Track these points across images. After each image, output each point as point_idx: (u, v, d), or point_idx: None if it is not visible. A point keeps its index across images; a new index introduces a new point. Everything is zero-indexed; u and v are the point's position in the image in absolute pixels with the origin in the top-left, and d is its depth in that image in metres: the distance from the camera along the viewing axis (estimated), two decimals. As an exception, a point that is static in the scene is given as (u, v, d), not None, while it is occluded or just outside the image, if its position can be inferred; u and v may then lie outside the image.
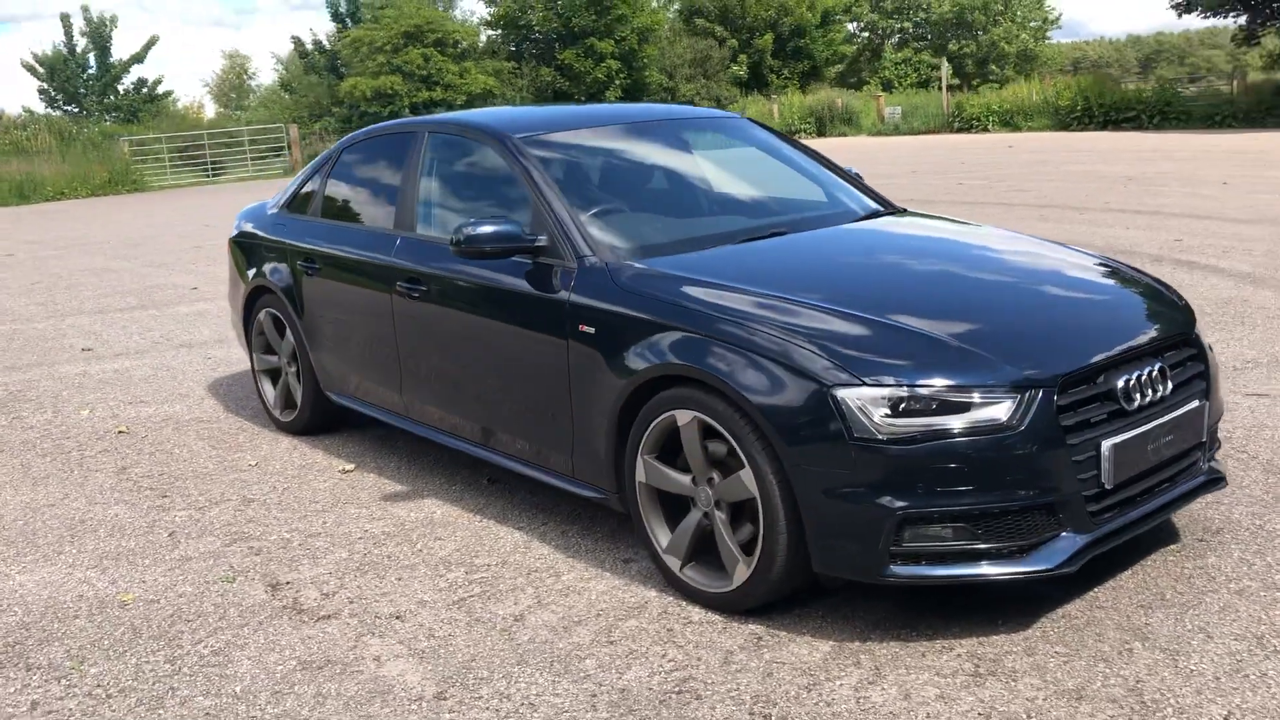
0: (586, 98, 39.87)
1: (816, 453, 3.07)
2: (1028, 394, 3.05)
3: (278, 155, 32.34)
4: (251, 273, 5.65)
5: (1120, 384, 3.22)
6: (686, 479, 3.48)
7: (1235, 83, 29.63)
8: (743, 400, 3.18)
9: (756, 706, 2.91)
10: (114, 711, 3.08)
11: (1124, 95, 30.50)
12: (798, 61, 50.24)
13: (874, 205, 4.63)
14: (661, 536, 3.60)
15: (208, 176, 30.68)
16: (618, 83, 40.05)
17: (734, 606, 3.40)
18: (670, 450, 3.56)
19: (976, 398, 3.03)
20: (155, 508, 4.66)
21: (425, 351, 4.49)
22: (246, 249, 5.79)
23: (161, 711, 3.07)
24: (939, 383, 3.04)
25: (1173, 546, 3.70)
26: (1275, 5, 28.55)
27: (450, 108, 37.18)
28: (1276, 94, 29.15)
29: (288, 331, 5.42)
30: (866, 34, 68.21)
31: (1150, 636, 3.14)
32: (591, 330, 3.69)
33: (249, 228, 5.85)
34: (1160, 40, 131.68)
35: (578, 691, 3.04)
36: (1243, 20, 29.54)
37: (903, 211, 4.64)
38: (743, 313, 3.36)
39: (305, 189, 5.49)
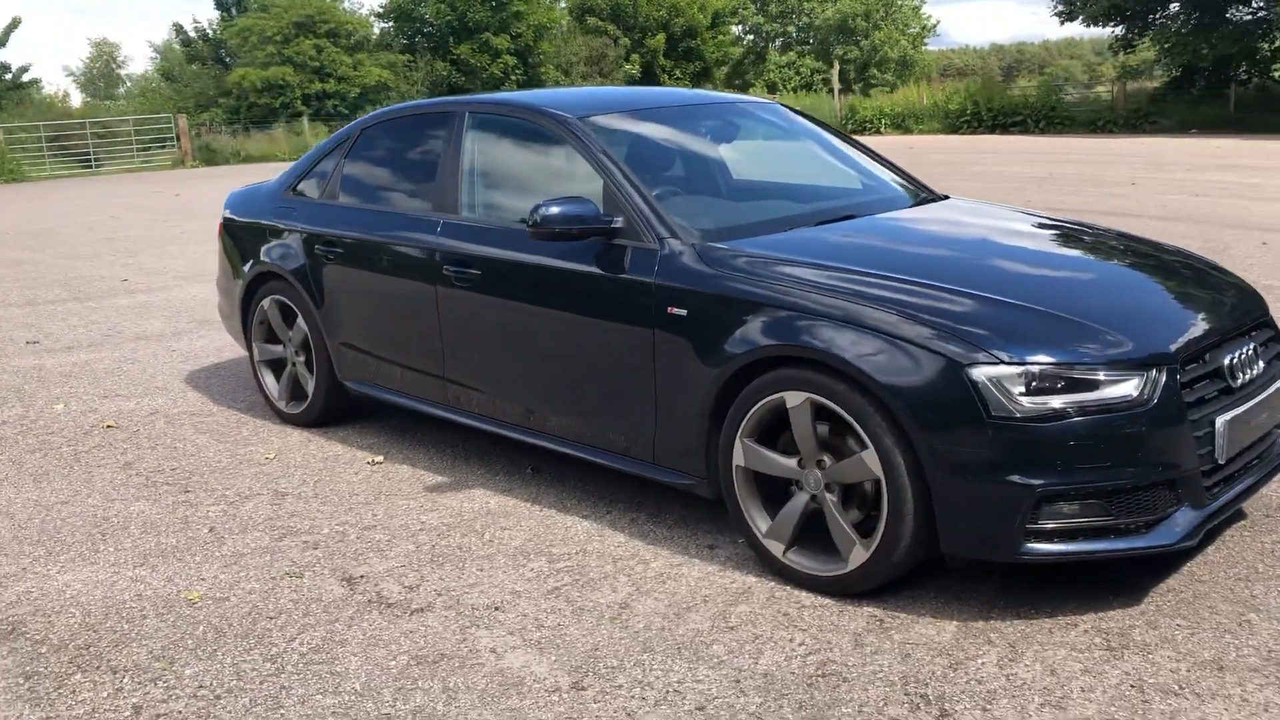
0: (482, 92, 39.44)
1: (951, 433, 3.07)
2: (1153, 371, 3.10)
3: (162, 146, 31.14)
4: (253, 258, 5.40)
5: (1226, 362, 3.31)
6: (791, 462, 3.45)
7: (1116, 89, 30.89)
8: (869, 381, 3.16)
9: (908, 687, 2.90)
10: (229, 713, 2.91)
11: (1011, 100, 31.55)
12: (689, 62, 50.61)
13: (921, 191, 4.66)
14: (760, 521, 3.56)
15: (90, 168, 29.35)
16: (514, 78, 39.71)
17: (846, 590, 3.38)
18: (769, 434, 3.52)
19: (1107, 375, 3.07)
20: (181, 503, 4.42)
21: (475, 337, 4.36)
22: (245, 234, 5.54)
23: (282, 711, 2.91)
24: (1072, 360, 3.07)
25: (1243, 523, 3.82)
26: (1150, 17, 29.87)
27: (344, 100, 36.38)
28: (1152, 101, 30.57)
29: (299, 319, 5.20)
30: (751, 36, 69.23)
31: (1262, 608, 3.23)
32: (683, 313, 3.62)
33: (247, 212, 5.60)
34: (1021, 50, 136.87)
35: (719, 677, 2.98)
36: (1120, 30, 30.80)
37: (947, 197, 4.69)
38: (856, 292, 3.34)
39: (317, 171, 5.27)
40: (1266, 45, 28.38)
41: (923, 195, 4.61)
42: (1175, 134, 27.12)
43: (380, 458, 4.88)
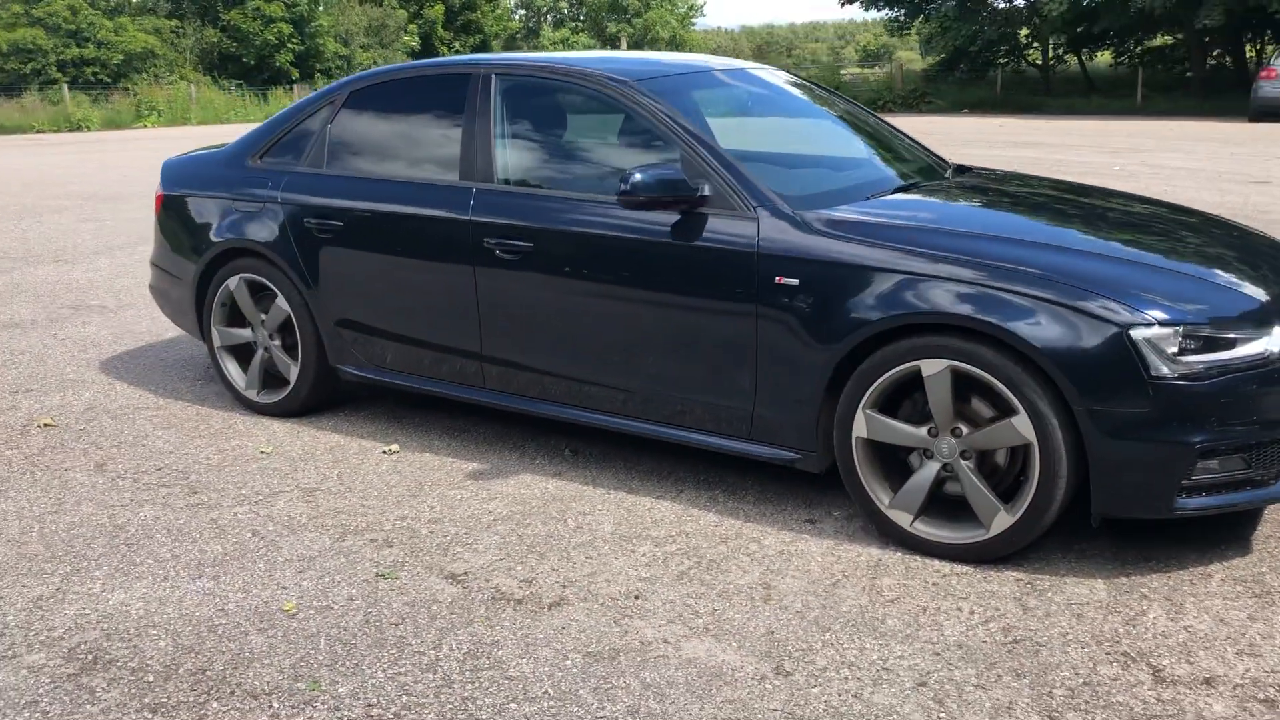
0: (256, 60, 37.41)
1: (1112, 395, 3.12)
2: None
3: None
4: (212, 234, 4.91)
5: None
6: (920, 430, 3.43)
7: (895, 70, 32.48)
8: (1025, 346, 3.17)
9: (1104, 646, 2.94)
10: (424, 732, 2.64)
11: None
12: (468, 35, 49.80)
13: (946, 163, 4.72)
14: (882, 493, 3.52)
15: None
16: (290, 47, 37.89)
17: (983, 555, 3.40)
18: (887, 403, 3.49)
19: (1249, 333, 3.19)
20: (198, 505, 3.98)
21: (526, 313, 4.11)
22: (198, 207, 5.03)
23: (483, 725, 2.66)
24: (1218, 318, 3.18)
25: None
26: (921, 2, 31.55)
27: (106, 67, 33.71)
28: (927, 81, 32.34)
29: (278, 300, 4.77)
30: (523, 11, 68.82)
31: (1361, 548, 3.45)
32: (794, 282, 3.53)
33: (198, 183, 5.08)
34: (770, 32, 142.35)
35: (914, 651, 2.94)
36: (900, 14, 32.39)
37: (969, 168, 4.77)
38: (993, 257, 3.34)
39: (292, 137, 4.83)
40: (1025, 31, 30.48)
41: (954, 165, 4.66)
42: (950, 113, 28.83)
43: (395, 446, 4.54)
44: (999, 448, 3.34)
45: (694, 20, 71.62)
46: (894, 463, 3.58)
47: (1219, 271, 3.46)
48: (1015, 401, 3.22)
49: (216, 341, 5.03)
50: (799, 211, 3.63)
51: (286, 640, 3.04)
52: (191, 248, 5.02)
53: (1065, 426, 3.19)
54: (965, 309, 3.25)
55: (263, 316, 4.89)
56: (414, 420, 4.86)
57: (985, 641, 2.97)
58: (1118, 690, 2.73)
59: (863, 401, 3.46)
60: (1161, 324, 3.12)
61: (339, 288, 4.58)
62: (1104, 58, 36.29)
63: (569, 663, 2.91)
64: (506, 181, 4.20)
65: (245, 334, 4.98)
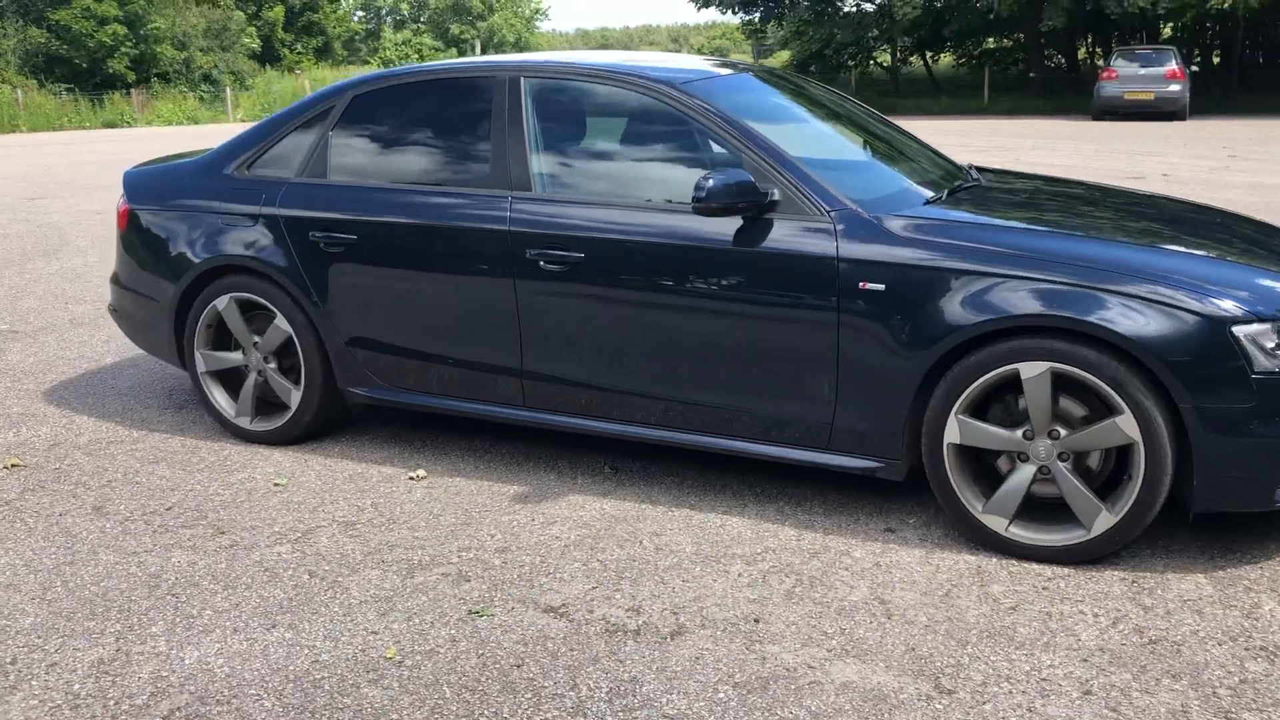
0: (89, 63, 35.42)
1: (1218, 391, 3.16)
2: None
3: None
4: (196, 251, 4.55)
5: None
6: (1015, 434, 3.41)
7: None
8: (1131, 346, 3.18)
9: (1239, 641, 2.97)
10: (606, 782, 2.46)
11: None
12: (310, 36, 48.37)
13: (959, 164, 4.75)
14: (974, 499, 3.49)
15: None
16: (124, 50, 36.00)
17: (1082, 557, 3.40)
18: (978, 408, 3.47)
19: None
20: (232, 547, 3.67)
21: (575, 327, 3.93)
22: (176, 222, 4.66)
23: (665, 770, 2.50)
24: None
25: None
26: (785, 2, 32.14)
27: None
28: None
29: (277, 320, 4.45)
30: (362, 12, 67.35)
31: None
32: (879, 287, 3.47)
33: (173, 195, 4.71)
34: (605, 35, 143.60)
35: (1064, 660, 2.91)
36: (756, 16, 32.92)
37: (989, 169, 4.80)
38: (1084, 255, 3.35)
39: (283, 146, 4.52)
40: (874, 33, 31.38)
41: (971, 166, 4.68)
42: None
43: (421, 472, 4.29)
44: (1100, 448, 3.34)
45: (538, 23, 71.50)
46: (980, 467, 3.55)
47: None
48: (1119, 401, 3.22)
49: (201, 367, 4.67)
50: (875, 215, 3.56)
51: (407, 691, 2.81)
52: (168, 266, 4.64)
53: (1173, 424, 3.20)
54: (1069, 310, 3.24)
55: (256, 338, 4.56)
56: (426, 443, 4.60)
57: (1124, 644, 2.96)
58: (1277, 685, 2.75)
59: (955, 407, 3.42)
60: (1261, 319, 3.17)
61: (351, 305, 4.29)
62: (946, 59, 37.71)
63: (722, 695, 2.77)
64: (552, 187, 4.00)
65: (235, 358, 4.63)
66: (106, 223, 11.18)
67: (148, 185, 4.82)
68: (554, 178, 4.03)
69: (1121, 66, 24.14)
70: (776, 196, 3.62)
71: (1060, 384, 3.32)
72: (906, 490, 3.94)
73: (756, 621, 3.12)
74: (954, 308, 3.37)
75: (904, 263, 3.45)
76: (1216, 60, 31.61)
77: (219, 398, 4.67)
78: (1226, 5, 23.91)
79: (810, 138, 4.23)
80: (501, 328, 4.03)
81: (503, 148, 4.06)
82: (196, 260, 4.54)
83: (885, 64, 34.50)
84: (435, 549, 3.62)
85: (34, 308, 7.36)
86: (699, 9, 33.75)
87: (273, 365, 4.56)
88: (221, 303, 4.54)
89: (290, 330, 4.42)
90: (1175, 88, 23.40)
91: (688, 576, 3.40)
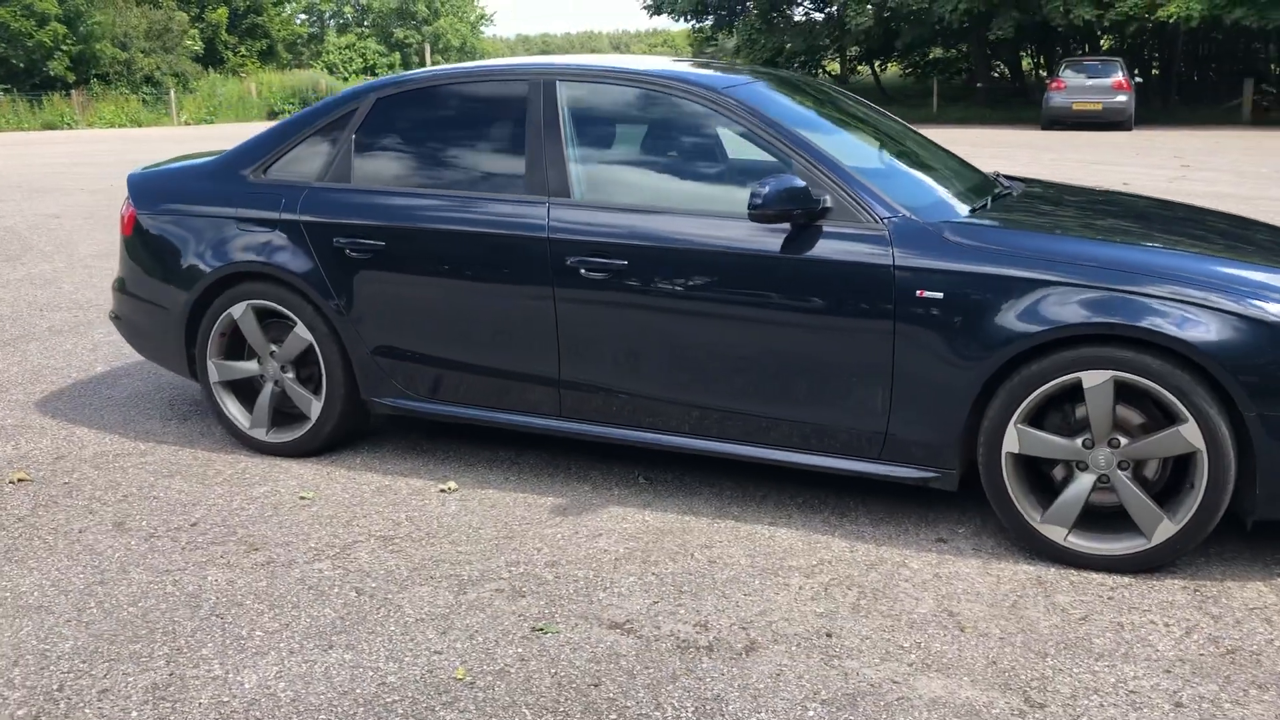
0: (27, 63, 34.54)
1: (1282, 398, 3.16)
2: None
3: None
4: (210, 257, 4.41)
5: None
6: (1075, 443, 3.40)
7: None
8: (1196, 353, 3.18)
9: (1314, 649, 2.97)
10: (713, 806, 2.39)
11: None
12: (254, 39, 47.67)
13: (994, 173, 4.74)
14: (1032, 509, 3.47)
15: None
16: (65, 49, 35.17)
17: (1142, 565, 3.39)
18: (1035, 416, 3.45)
19: None
20: (270, 564, 3.54)
21: (616, 336, 3.85)
22: (187, 228, 4.51)
23: (771, 792, 2.43)
24: None
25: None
26: (737, 11, 32.29)
27: None
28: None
29: (297, 328, 4.32)
30: (305, 15, 66.52)
31: None
32: (938, 295, 3.44)
33: (184, 199, 4.55)
34: (546, 41, 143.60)
35: (1145, 670, 2.89)
36: (707, 23, 33.03)
37: (1018, 178, 4.81)
38: (1144, 263, 3.35)
39: (301, 149, 4.39)
40: (825, 42, 31.65)
41: (998, 175, 4.68)
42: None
43: (452, 484, 4.18)
44: (1162, 456, 3.33)
45: (483, 28, 71.11)
46: (1033, 477, 3.53)
47: None
48: (1183, 410, 3.22)
49: (213, 377, 4.52)
50: (930, 222, 3.54)
51: (484, 714, 2.72)
52: (179, 272, 4.48)
53: (1238, 433, 3.20)
54: (1135, 319, 3.23)
55: (273, 348, 4.42)
56: (449, 454, 4.49)
57: (1202, 654, 2.95)
58: (1363, 694, 2.75)
59: (1015, 416, 3.39)
60: None
61: (378, 313, 4.18)
62: (893, 69, 38.14)
63: (811, 713, 2.71)
64: (591, 193, 3.92)
65: (250, 367, 4.49)
66: (66, 228, 10.89)
67: (156, 189, 4.66)
68: (593, 184, 3.96)
69: (1069, 77, 24.57)
70: (828, 203, 3.58)
71: (1119, 392, 3.30)
72: (949, 499, 3.93)
73: (829, 636, 3.07)
74: (1016, 316, 3.35)
75: (965, 270, 3.42)
76: (1154, 73, 32.30)
77: (232, 409, 4.52)
78: (1170, 19, 24.41)
79: (847, 145, 4.19)
80: (538, 336, 3.94)
81: (539, 153, 3.97)
82: (211, 267, 4.39)
83: (834, 73, 34.77)
84: (482, 564, 3.52)
85: (7, 315, 7.11)
86: (651, 15, 33.84)
87: (290, 375, 4.42)
88: (237, 310, 4.39)
89: (311, 339, 4.29)
90: (1121, 98, 23.87)
91: (748, 590, 3.33)
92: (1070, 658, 2.94)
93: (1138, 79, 27.95)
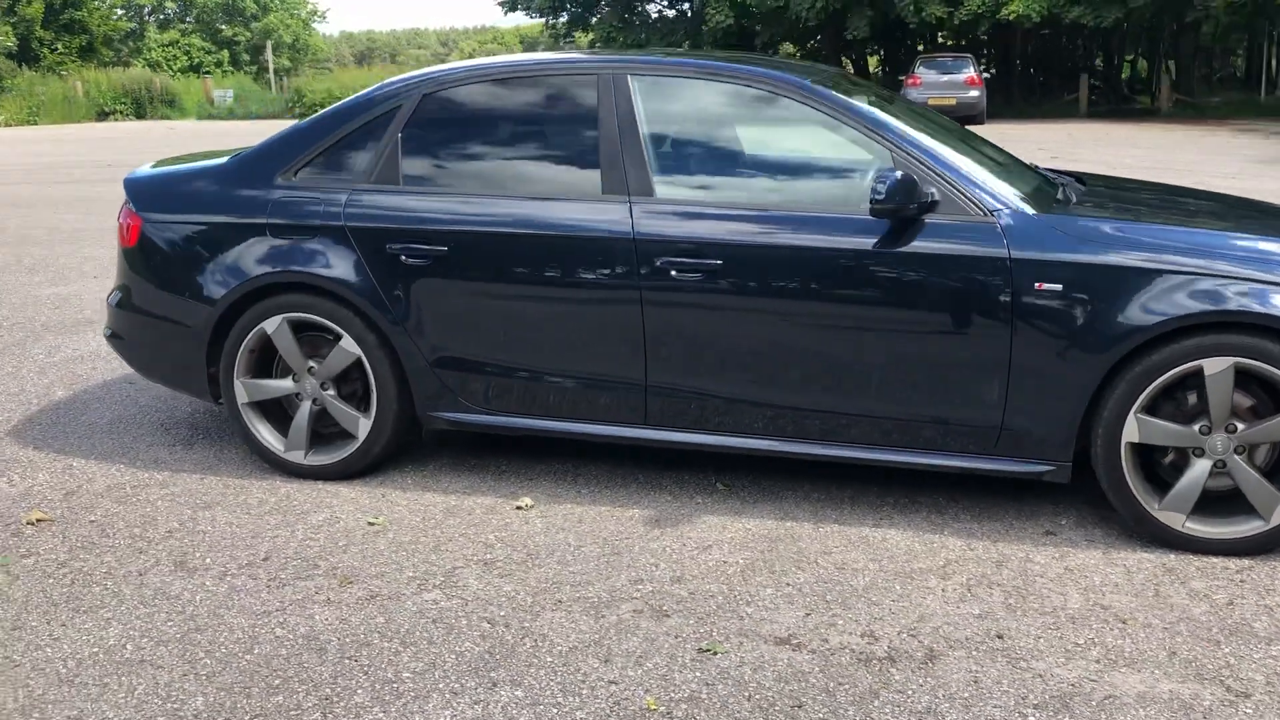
0: None
1: (1403, 381, 3.27)
2: None
3: None
4: (243, 267, 4.07)
5: None
6: (1192, 429, 3.44)
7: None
8: None
9: None
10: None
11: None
12: (71, 34, 45.05)
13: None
14: (1149, 497, 3.50)
15: None
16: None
17: (1264, 547, 3.46)
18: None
19: None
20: (376, 598, 3.28)
21: (711, 338, 3.72)
22: (209, 235, 4.15)
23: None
24: None
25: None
26: (592, 7, 32.20)
27: None
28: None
29: (344, 341, 4.03)
30: (122, 10, 63.33)
31: None
32: (1057, 287, 3.44)
33: (200, 205, 4.20)
34: (372, 38, 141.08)
35: (1318, 651, 2.94)
36: (562, 20, 32.85)
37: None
38: (1258, 251, 3.41)
39: (340, 149, 4.10)
40: (685, 39, 31.92)
41: (1055, 170, 4.71)
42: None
43: (527, 500, 3.98)
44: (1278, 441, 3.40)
45: (314, 24, 68.98)
46: (1145, 465, 3.56)
47: None
48: (1309, 394, 3.29)
49: (242, 398, 4.17)
50: (1040, 214, 3.53)
51: (702, 745, 2.55)
52: (201, 284, 4.13)
53: (1350, 417, 3.29)
54: (1259, 305, 3.28)
55: (311, 363, 4.11)
56: (502, 468, 4.27)
57: (1359, 632, 3.01)
58: None
59: (1135, 405, 3.41)
60: None
61: (439, 322, 3.93)
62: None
63: (1033, 719, 2.65)
64: (666, 195, 3.77)
65: (285, 385, 4.16)
66: (-58, 239, 10.00)
67: (166, 193, 4.28)
68: (675, 182, 3.82)
69: (924, 74, 25.42)
70: (936, 196, 3.53)
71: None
72: (1037, 490, 3.93)
73: (999, 638, 3.02)
74: (1135, 306, 3.36)
75: (1083, 262, 3.41)
76: (993, 71, 33.72)
77: (264, 431, 4.18)
78: (1013, 17, 25.51)
79: (933, 139, 4.15)
80: (623, 341, 3.77)
81: (615, 150, 3.80)
82: (240, 278, 4.05)
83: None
84: (603, 584, 3.34)
85: (-81, 337, 6.46)
86: (506, 12, 33.45)
87: (331, 392, 4.12)
88: (271, 325, 4.07)
89: (359, 352, 4.01)
90: (974, 94, 24.82)
91: (894, 596, 3.26)
92: (1242, 644, 2.96)
93: (987, 75, 29.14)
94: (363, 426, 4.07)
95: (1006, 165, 4.03)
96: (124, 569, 3.48)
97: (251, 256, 4.05)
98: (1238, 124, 23.85)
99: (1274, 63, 34.05)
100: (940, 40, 32.21)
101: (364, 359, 4.01)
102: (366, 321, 3.98)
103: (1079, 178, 4.38)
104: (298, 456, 4.16)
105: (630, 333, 3.75)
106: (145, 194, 4.30)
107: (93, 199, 12.78)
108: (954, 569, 3.42)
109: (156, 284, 4.24)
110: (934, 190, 3.53)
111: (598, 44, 32.45)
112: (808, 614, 3.15)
